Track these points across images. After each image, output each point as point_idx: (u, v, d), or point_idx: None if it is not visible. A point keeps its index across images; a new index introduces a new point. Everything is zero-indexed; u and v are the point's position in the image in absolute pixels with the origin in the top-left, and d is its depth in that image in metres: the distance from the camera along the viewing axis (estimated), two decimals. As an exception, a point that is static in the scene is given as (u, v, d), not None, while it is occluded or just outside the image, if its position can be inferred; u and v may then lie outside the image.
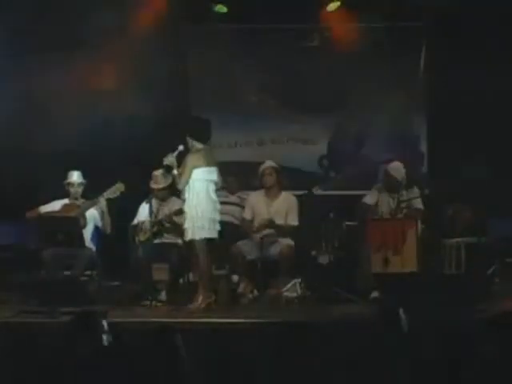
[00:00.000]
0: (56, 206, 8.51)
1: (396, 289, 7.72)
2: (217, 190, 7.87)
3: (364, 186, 9.46)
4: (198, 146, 7.80)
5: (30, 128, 9.19)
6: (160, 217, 8.53)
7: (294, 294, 8.04)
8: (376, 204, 8.65)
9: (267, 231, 8.50)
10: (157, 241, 8.52)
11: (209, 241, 7.78)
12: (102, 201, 8.26)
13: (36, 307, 7.58)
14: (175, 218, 8.35)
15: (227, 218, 8.71)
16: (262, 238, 8.39)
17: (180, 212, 8.01)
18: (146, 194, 8.61)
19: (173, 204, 8.53)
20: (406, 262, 7.97)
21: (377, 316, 5.62)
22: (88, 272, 8.17)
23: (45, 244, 8.10)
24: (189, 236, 7.73)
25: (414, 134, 10.34)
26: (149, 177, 8.57)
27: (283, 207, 8.66)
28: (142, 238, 8.57)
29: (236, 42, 10.33)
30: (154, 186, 8.57)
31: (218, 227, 7.81)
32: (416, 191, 8.70)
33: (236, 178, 9.48)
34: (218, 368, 3.92)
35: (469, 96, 9.33)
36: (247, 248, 8.46)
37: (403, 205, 8.58)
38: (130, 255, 8.48)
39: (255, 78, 10.44)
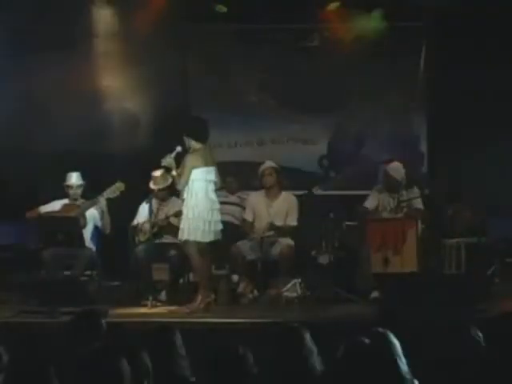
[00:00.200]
0: (56, 206, 8.51)
1: (396, 289, 7.72)
2: (216, 190, 7.87)
3: (364, 186, 9.47)
4: (196, 145, 7.78)
5: (30, 128, 9.18)
6: (160, 217, 8.54)
7: (294, 294, 8.03)
8: (376, 208, 8.66)
9: (267, 232, 8.52)
10: (157, 241, 8.52)
11: (209, 242, 7.78)
12: (102, 200, 8.26)
13: (36, 307, 7.59)
14: (173, 220, 8.33)
15: (227, 218, 8.71)
16: (262, 238, 8.40)
17: (180, 214, 8.01)
18: (145, 194, 8.62)
19: (173, 204, 8.53)
20: (406, 262, 7.97)
21: (377, 316, 5.63)
22: (88, 272, 8.18)
23: (45, 244, 8.11)
24: (184, 236, 7.71)
25: (414, 134, 10.34)
26: (149, 177, 8.57)
27: (283, 207, 8.66)
28: (141, 238, 8.57)
29: (236, 42, 10.33)
30: (153, 186, 8.57)
31: (218, 227, 7.80)
32: (416, 191, 8.70)
33: (236, 178, 9.48)
34: (218, 368, 3.91)
35: (469, 96, 9.33)
36: (247, 248, 8.47)
37: (403, 205, 8.58)
38: (129, 255, 8.48)
39: (255, 78, 10.44)
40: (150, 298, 8.04)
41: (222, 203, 8.17)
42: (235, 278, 8.62)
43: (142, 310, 7.92)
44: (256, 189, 8.98)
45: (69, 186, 8.52)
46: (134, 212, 8.75)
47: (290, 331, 4.41)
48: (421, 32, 10.13)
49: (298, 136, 10.42)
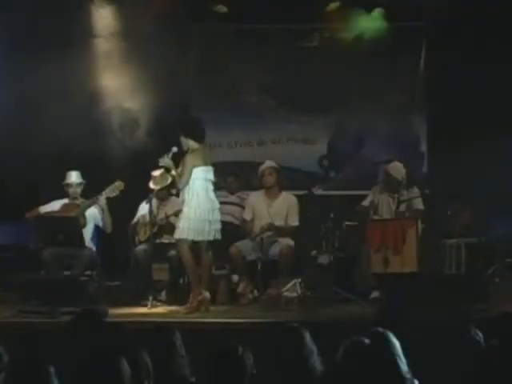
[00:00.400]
0: (56, 205, 8.51)
1: (396, 289, 7.72)
2: (214, 190, 7.87)
3: (364, 186, 9.48)
4: (195, 145, 7.79)
5: (30, 128, 9.17)
6: (160, 216, 8.54)
7: (294, 294, 8.03)
8: (373, 203, 8.66)
9: (267, 232, 8.51)
10: (157, 241, 8.52)
11: (208, 241, 7.78)
12: (102, 199, 8.26)
13: (36, 307, 7.58)
14: (173, 219, 8.33)
15: (227, 218, 8.70)
16: (261, 238, 8.39)
17: (180, 213, 8.00)
18: (145, 194, 8.62)
19: (172, 204, 8.53)
20: (406, 262, 7.97)
21: (377, 316, 5.63)
22: (88, 272, 8.17)
23: (45, 244, 8.11)
24: (183, 235, 7.70)
25: (414, 134, 10.34)
26: (148, 177, 8.57)
27: (283, 207, 8.67)
28: (141, 237, 8.58)
29: (236, 42, 10.32)
30: (153, 186, 8.56)
31: (218, 226, 7.79)
32: (416, 191, 8.70)
33: (236, 178, 9.47)
34: (218, 368, 3.91)
35: (469, 96, 9.33)
36: (247, 248, 8.47)
37: (403, 205, 8.59)
38: (129, 255, 8.48)
39: (255, 78, 10.44)
40: (150, 297, 8.03)
41: (221, 203, 8.17)
42: (235, 278, 8.63)
43: (142, 310, 7.92)
44: (256, 189, 8.98)
45: (68, 185, 8.51)
46: (133, 212, 8.75)
47: (290, 331, 4.41)
48: (421, 32, 10.13)
49: (298, 136, 10.41)
